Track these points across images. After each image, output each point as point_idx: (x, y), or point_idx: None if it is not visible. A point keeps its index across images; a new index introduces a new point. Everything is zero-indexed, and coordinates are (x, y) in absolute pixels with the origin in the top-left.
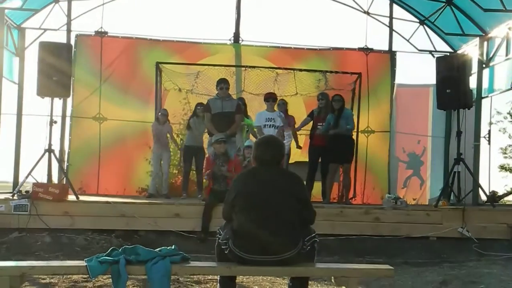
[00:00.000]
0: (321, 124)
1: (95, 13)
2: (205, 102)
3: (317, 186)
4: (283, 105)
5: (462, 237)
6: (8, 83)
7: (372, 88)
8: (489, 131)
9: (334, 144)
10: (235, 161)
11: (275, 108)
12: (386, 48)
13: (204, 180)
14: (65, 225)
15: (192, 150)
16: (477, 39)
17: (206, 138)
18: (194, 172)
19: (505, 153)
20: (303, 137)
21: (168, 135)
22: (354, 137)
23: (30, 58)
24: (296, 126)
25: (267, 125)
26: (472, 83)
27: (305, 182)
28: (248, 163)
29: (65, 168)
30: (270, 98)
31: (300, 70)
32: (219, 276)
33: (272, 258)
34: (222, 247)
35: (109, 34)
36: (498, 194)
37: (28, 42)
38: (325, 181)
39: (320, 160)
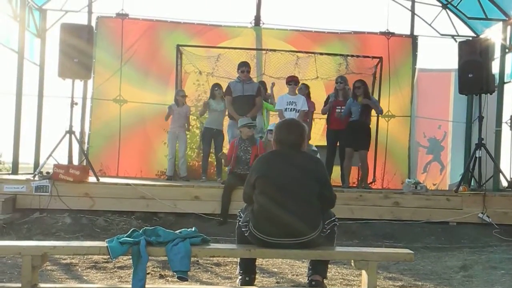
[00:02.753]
0: (340, 107)
1: None
2: (225, 85)
3: (336, 170)
4: (305, 89)
5: (482, 223)
6: (29, 64)
7: (393, 73)
8: (511, 116)
9: (351, 129)
10: (260, 146)
11: (297, 91)
12: (408, 32)
13: (222, 161)
14: (85, 206)
15: (211, 133)
16: (500, 23)
17: (226, 121)
18: (213, 154)
19: None
20: (323, 121)
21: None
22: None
23: (51, 40)
24: (316, 111)
25: (288, 108)
26: (495, 68)
27: None
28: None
29: (86, 150)
30: (292, 81)
31: (321, 53)
32: (239, 258)
33: (292, 240)
34: (242, 229)
35: (129, 16)
36: None
37: (50, 23)
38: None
39: (338, 144)
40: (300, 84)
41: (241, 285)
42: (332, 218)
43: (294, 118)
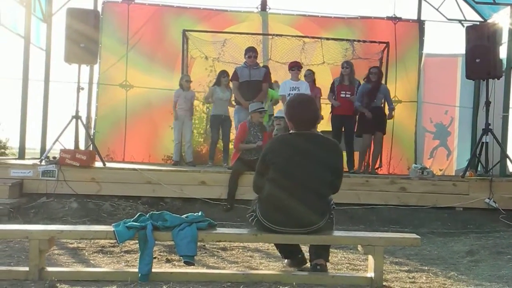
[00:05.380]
0: (344, 92)
1: None
2: (231, 70)
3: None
4: (310, 76)
5: (489, 208)
6: (35, 50)
7: (400, 58)
8: None
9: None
10: (269, 132)
11: (303, 78)
12: (415, 17)
13: (230, 147)
14: (92, 191)
15: (219, 119)
16: (508, 8)
17: (232, 106)
18: (221, 140)
19: None
20: (328, 107)
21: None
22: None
23: (57, 25)
24: (322, 96)
25: (292, 94)
26: (502, 52)
27: None
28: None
29: (92, 135)
30: (294, 66)
31: (327, 39)
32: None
33: (300, 230)
34: (251, 217)
35: (136, 1)
36: None
37: (56, 8)
38: (350, 151)
39: (343, 130)
40: (306, 70)
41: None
42: (331, 202)
43: (307, 94)
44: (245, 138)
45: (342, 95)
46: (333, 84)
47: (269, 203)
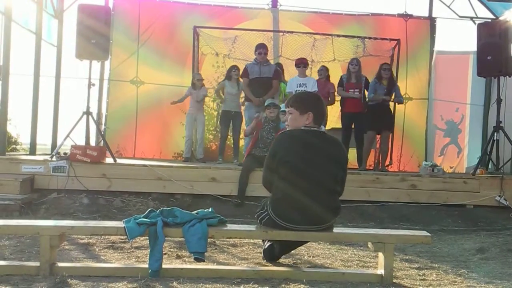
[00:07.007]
0: (353, 90)
1: None
2: (242, 66)
3: (352, 153)
4: (324, 72)
5: (499, 206)
6: (47, 46)
7: (411, 55)
8: None
9: (375, 112)
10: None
11: (307, 73)
12: (426, 15)
13: (241, 144)
14: (102, 187)
15: (230, 115)
16: None
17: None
18: (231, 137)
19: None
20: (339, 104)
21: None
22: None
23: (69, 21)
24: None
25: (299, 90)
26: None
27: None
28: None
29: (103, 131)
30: (301, 63)
31: (338, 36)
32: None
33: (314, 227)
34: (261, 215)
35: None
36: None
37: (67, 4)
38: (360, 148)
39: (353, 127)
40: (320, 66)
41: None
42: None
43: (310, 91)
44: (257, 130)
45: (356, 93)
46: (341, 80)
47: (284, 203)
